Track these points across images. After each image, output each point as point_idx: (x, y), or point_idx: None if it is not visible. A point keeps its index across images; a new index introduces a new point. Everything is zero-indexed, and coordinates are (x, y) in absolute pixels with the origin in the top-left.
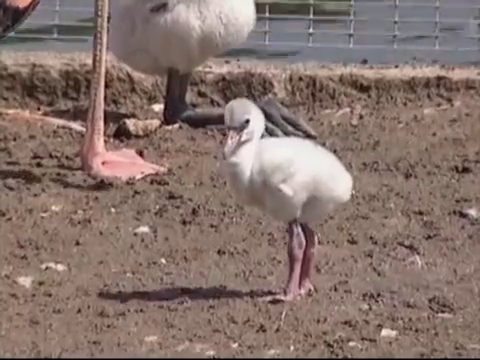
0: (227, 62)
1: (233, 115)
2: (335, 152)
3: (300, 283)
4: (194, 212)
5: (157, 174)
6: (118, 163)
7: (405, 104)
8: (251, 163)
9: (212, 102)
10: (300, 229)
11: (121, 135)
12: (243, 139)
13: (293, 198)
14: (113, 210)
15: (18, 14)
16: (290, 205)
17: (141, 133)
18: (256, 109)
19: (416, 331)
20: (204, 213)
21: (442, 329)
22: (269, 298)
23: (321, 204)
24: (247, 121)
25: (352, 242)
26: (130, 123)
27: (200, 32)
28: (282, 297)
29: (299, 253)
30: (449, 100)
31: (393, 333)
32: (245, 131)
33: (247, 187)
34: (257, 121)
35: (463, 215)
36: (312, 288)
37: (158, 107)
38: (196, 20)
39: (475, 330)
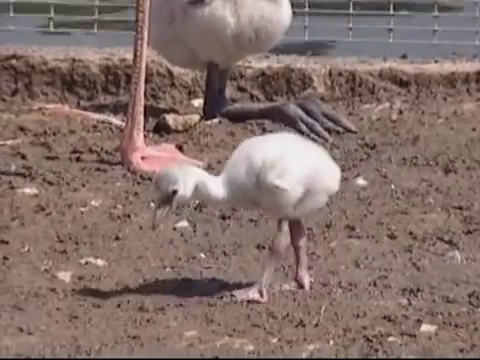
0: (267, 57)
1: (159, 187)
2: (374, 147)
3: (298, 275)
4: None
5: None
6: (158, 158)
7: (445, 99)
8: (219, 189)
9: (252, 97)
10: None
11: (161, 130)
12: (173, 208)
13: (290, 193)
14: (153, 205)
15: None
16: (287, 201)
17: (181, 128)
18: (185, 172)
19: (456, 326)
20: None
21: None
22: (243, 297)
23: (314, 197)
24: (174, 192)
25: (392, 237)
26: (170, 118)
27: (234, 29)
28: (257, 296)
29: (283, 251)
30: None
31: (432, 328)
32: (174, 200)
33: (236, 200)
34: (187, 183)
35: None
36: (312, 280)
37: (198, 102)
38: (231, 17)
39: None
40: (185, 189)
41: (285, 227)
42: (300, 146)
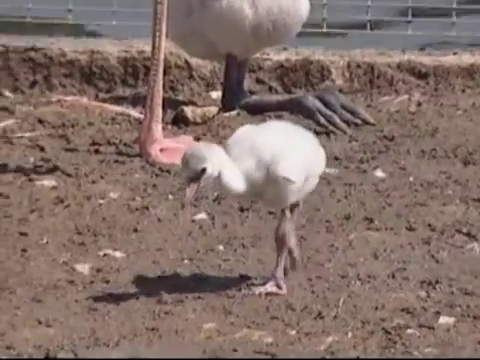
0: (285, 49)
1: (188, 166)
2: (393, 139)
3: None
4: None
5: None
6: (176, 150)
7: (463, 91)
8: (238, 176)
9: (270, 89)
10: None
11: (179, 122)
12: (201, 186)
13: (296, 182)
14: (171, 197)
15: None
16: (292, 190)
17: (199, 120)
18: (212, 150)
19: (474, 318)
20: None
21: None
22: (261, 290)
23: (309, 182)
24: (203, 170)
25: (410, 229)
26: (188, 110)
27: (252, 21)
28: (275, 289)
29: (289, 238)
30: None
31: (451, 320)
32: (203, 178)
33: (247, 190)
34: (215, 162)
35: None
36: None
37: (216, 94)
38: (249, 9)
39: None
40: (213, 168)
41: (288, 215)
42: (297, 134)
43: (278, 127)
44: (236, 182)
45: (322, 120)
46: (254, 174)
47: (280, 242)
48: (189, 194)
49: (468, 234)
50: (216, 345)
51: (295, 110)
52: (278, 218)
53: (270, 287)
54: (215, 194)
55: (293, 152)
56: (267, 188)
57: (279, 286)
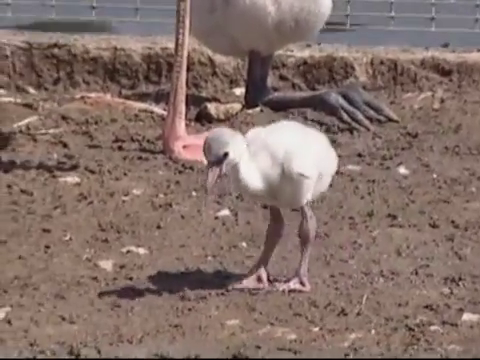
0: (308, 46)
1: (210, 150)
2: (416, 136)
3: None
4: None
5: None
6: (199, 147)
7: None
8: (254, 172)
9: (293, 86)
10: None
11: (202, 119)
12: (223, 171)
13: (311, 180)
14: (194, 194)
15: None
16: (307, 188)
17: (222, 117)
18: (234, 136)
19: None
20: None
21: None
22: (284, 287)
23: (322, 182)
24: (225, 154)
25: (433, 226)
26: (211, 107)
27: (275, 17)
28: (298, 286)
29: (312, 236)
30: None
31: (474, 317)
32: (225, 163)
33: (265, 188)
34: (237, 147)
35: None
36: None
37: (239, 91)
38: (272, 6)
39: None
40: (235, 153)
41: (310, 212)
42: (308, 133)
43: (289, 126)
44: (253, 179)
45: (345, 117)
46: (269, 172)
47: (304, 239)
48: (211, 179)
49: None
50: (239, 342)
51: (318, 107)
52: (301, 216)
53: (293, 284)
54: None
55: (305, 150)
56: (283, 186)
57: (303, 283)
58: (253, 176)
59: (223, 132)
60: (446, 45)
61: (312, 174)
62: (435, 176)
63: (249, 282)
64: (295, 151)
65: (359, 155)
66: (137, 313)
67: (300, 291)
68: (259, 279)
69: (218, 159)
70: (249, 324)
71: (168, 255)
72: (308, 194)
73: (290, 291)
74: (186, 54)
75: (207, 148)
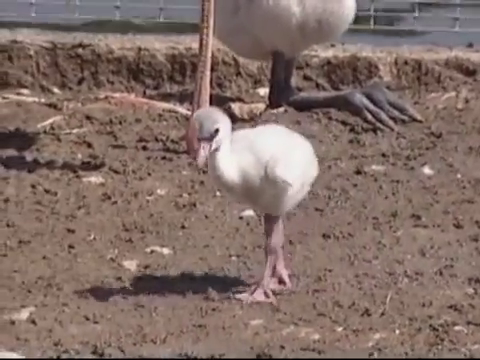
0: (332, 46)
1: (203, 126)
2: (440, 136)
3: (277, 272)
4: None
5: None
6: None
7: None
8: (231, 164)
9: (317, 86)
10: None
11: None
12: (214, 147)
13: (294, 187)
14: (218, 194)
15: None
16: (288, 196)
17: (246, 117)
18: (223, 116)
19: None
20: (309, 196)
21: None
22: (250, 299)
23: (303, 190)
24: (216, 130)
25: (458, 226)
26: (235, 107)
27: (299, 18)
28: (262, 298)
29: (280, 249)
30: None
31: None
32: (215, 140)
33: (240, 185)
34: (226, 127)
35: None
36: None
37: (263, 91)
38: (296, 7)
39: None
40: (224, 131)
41: (282, 225)
42: (297, 139)
43: (278, 131)
44: (229, 170)
45: (369, 117)
46: (251, 170)
47: (271, 251)
48: (203, 154)
49: None
50: (263, 342)
51: (342, 107)
52: (269, 228)
53: (258, 296)
54: None
55: (293, 156)
56: (264, 189)
57: (267, 295)
58: (229, 167)
59: (213, 110)
60: (470, 45)
61: (294, 182)
62: (459, 176)
63: (270, 284)
64: (281, 156)
65: (383, 155)
66: (161, 313)
67: (265, 303)
68: (281, 281)
69: (210, 135)
70: (273, 324)
71: (192, 255)
72: (289, 202)
73: (314, 291)
74: (210, 54)
75: (199, 124)
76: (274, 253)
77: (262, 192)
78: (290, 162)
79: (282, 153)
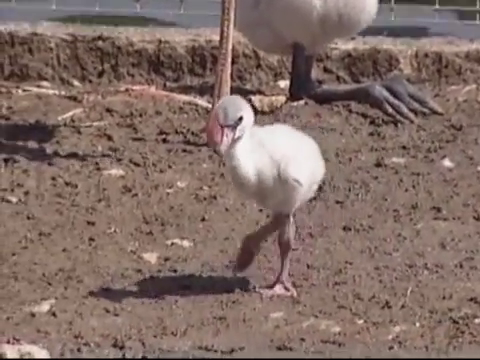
0: (353, 38)
1: (227, 113)
2: (461, 129)
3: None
4: (319, 188)
5: None
6: None
7: None
8: (249, 157)
9: (338, 78)
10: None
11: None
12: (237, 136)
13: (304, 187)
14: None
15: None
16: (299, 194)
17: (267, 109)
18: (247, 105)
19: None
20: (329, 189)
21: None
22: (270, 293)
23: (311, 189)
24: (240, 118)
25: (478, 219)
26: (256, 99)
27: (321, 12)
28: (282, 291)
29: (292, 244)
30: None
31: None
32: (238, 128)
33: (254, 181)
34: (249, 116)
35: None
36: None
37: (284, 83)
38: (318, 0)
39: None
40: (248, 119)
41: (292, 220)
42: (306, 139)
43: (287, 131)
44: (248, 164)
45: (390, 110)
46: (264, 170)
47: (284, 247)
48: (226, 142)
49: None
50: (283, 334)
51: (363, 99)
52: (279, 225)
53: (279, 290)
54: None
55: (303, 156)
56: (275, 188)
57: (287, 288)
58: (247, 161)
59: (237, 98)
60: None
61: (305, 182)
62: (479, 169)
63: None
64: (293, 156)
65: (403, 148)
66: (181, 305)
67: (286, 296)
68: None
69: (234, 122)
70: (293, 317)
71: (212, 248)
72: (299, 200)
73: (334, 284)
74: (231, 47)
75: (223, 111)
76: (288, 248)
77: (274, 191)
78: (301, 160)
79: (294, 153)
